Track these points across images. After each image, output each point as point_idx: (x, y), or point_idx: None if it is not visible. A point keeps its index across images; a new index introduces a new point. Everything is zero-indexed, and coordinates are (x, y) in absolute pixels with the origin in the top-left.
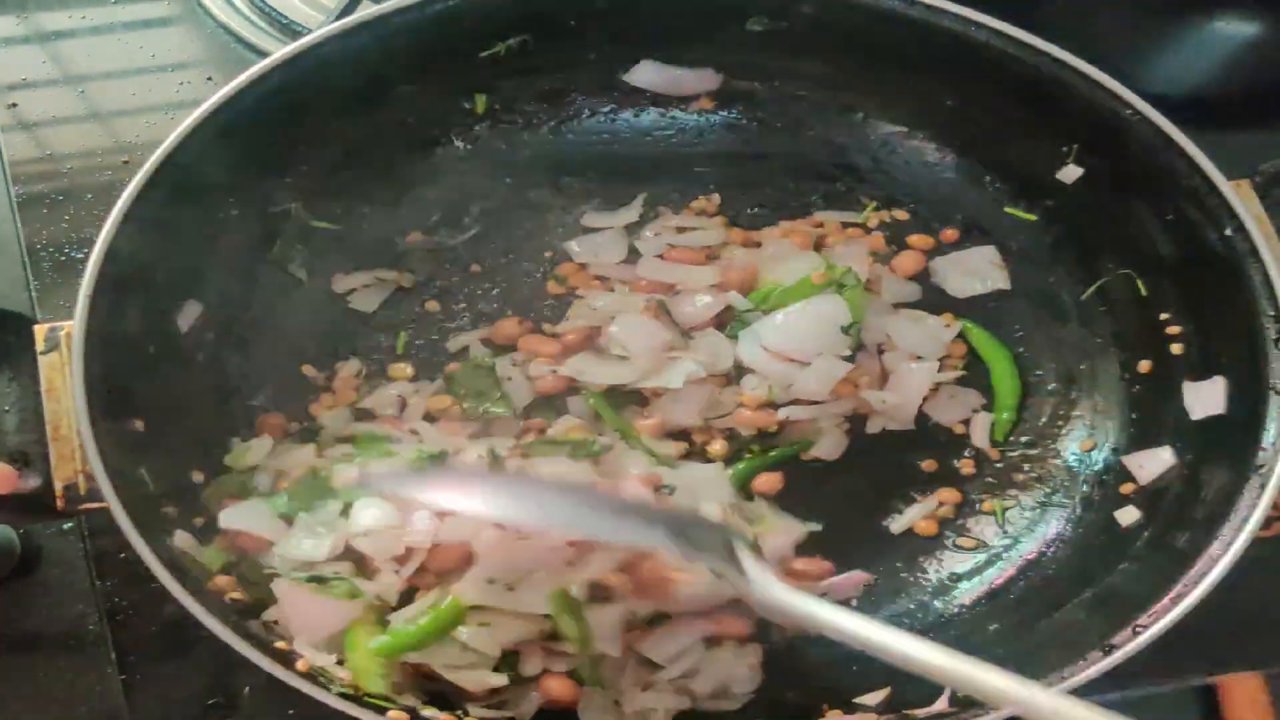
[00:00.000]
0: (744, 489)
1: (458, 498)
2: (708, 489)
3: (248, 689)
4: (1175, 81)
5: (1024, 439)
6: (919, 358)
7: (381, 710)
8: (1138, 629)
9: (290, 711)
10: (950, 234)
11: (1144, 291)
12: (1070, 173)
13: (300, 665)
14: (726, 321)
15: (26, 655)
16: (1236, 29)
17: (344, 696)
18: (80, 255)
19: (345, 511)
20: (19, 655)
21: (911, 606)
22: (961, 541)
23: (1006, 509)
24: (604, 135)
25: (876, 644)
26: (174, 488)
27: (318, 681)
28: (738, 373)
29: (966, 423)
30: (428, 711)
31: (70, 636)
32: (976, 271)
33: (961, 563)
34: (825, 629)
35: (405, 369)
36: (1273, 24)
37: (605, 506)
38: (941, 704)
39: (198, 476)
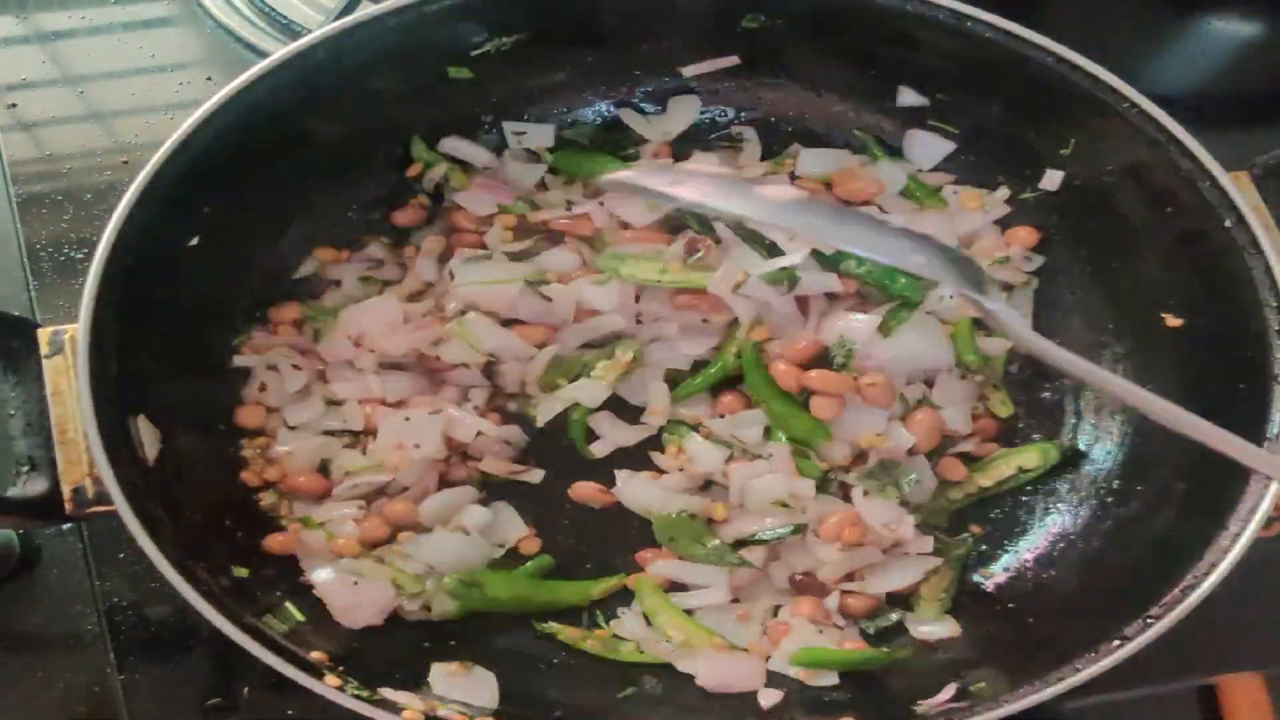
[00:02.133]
0: None
1: (739, 202)
2: None
3: (247, 689)
4: (1175, 81)
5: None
6: None
7: (396, 710)
8: (1149, 620)
9: (290, 711)
10: None
11: (1145, 285)
12: (1052, 178)
13: (329, 681)
14: None
15: (26, 655)
16: (1236, 29)
17: (358, 698)
18: (80, 255)
19: None
20: (19, 655)
21: None
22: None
23: (1009, 507)
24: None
25: (1096, 380)
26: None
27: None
28: None
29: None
30: (443, 710)
31: (70, 636)
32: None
33: (969, 559)
34: (1048, 360)
35: None
36: (1273, 24)
37: (878, 229)
38: (945, 694)
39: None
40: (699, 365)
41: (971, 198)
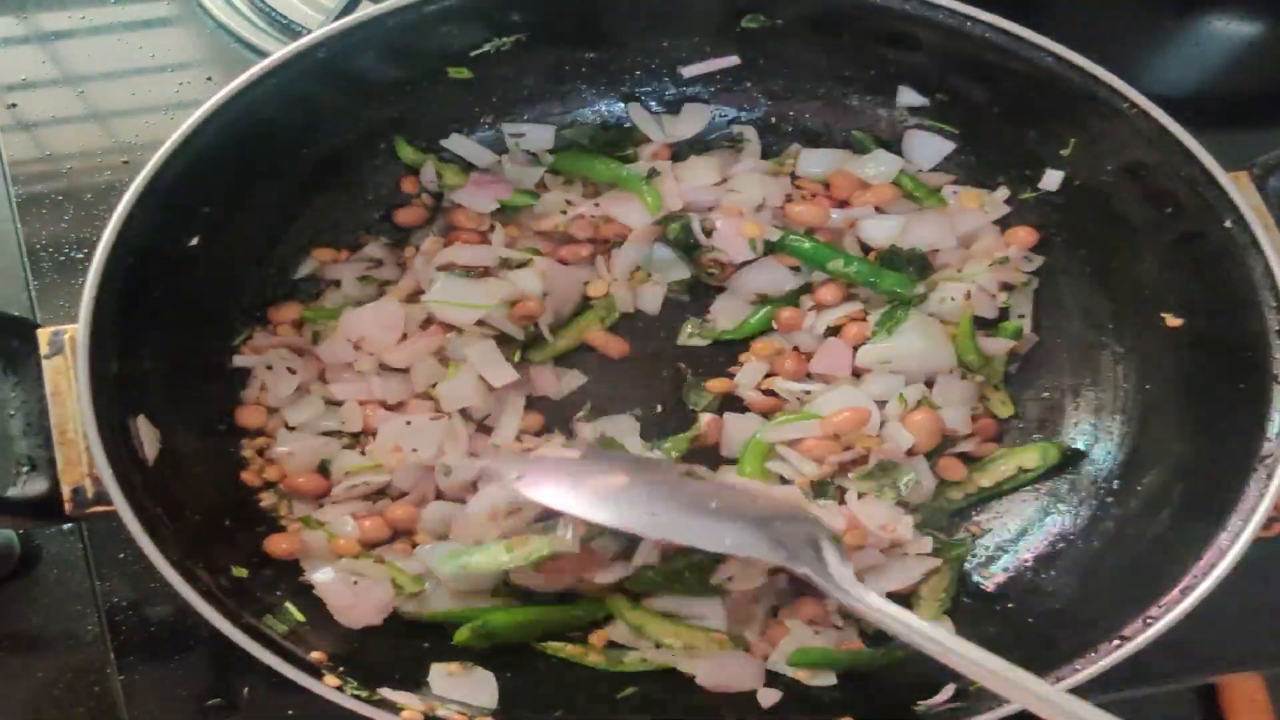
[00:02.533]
0: None
1: (557, 492)
2: None
3: (247, 689)
4: (1175, 81)
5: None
6: None
7: (396, 710)
8: (1148, 620)
9: (290, 712)
10: None
11: (1145, 285)
12: (1052, 178)
13: (329, 681)
14: None
15: (26, 655)
16: (1236, 29)
17: (358, 698)
18: (80, 255)
19: None
20: (18, 655)
21: None
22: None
23: (1009, 508)
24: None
25: (948, 650)
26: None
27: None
28: None
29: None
30: (442, 710)
31: (69, 637)
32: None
33: (968, 559)
34: (899, 634)
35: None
36: (1273, 24)
37: (704, 507)
38: (945, 694)
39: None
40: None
41: (971, 198)
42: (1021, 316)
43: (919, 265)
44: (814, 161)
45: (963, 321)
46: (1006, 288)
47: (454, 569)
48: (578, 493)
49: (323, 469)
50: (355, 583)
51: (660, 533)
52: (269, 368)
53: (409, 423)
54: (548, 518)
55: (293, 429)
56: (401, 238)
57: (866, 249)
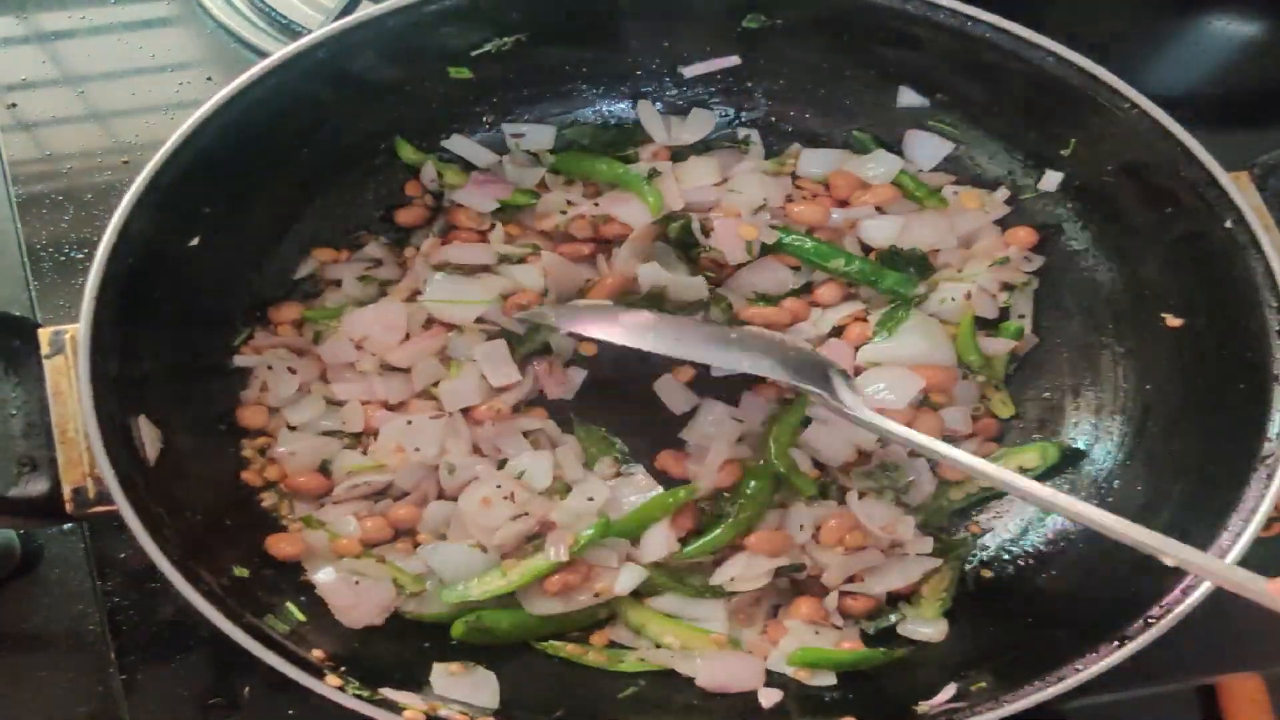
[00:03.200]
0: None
1: (596, 327)
2: None
3: (248, 689)
4: (1175, 81)
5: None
6: None
7: (398, 710)
8: (1149, 620)
9: (290, 712)
10: None
11: (1145, 285)
12: (1052, 178)
13: (330, 681)
14: None
15: (26, 655)
16: (1236, 29)
17: (359, 698)
18: (80, 255)
19: None
20: (19, 655)
21: None
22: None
23: (1009, 507)
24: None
25: (943, 454)
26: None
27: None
28: None
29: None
30: (444, 710)
31: (70, 636)
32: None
33: (968, 559)
34: (902, 442)
35: None
36: (1273, 24)
37: (723, 338)
38: (945, 694)
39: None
40: None
41: (971, 198)
42: (1022, 317)
43: (919, 265)
44: (814, 161)
45: (963, 322)
46: (1006, 288)
47: (457, 599)
48: (613, 326)
49: (324, 469)
50: (357, 583)
51: (685, 354)
52: (269, 368)
53: (410, 422)
54: (538, 535)
55: (294, 429)
56: (402, 238)
57: (867, 249)
